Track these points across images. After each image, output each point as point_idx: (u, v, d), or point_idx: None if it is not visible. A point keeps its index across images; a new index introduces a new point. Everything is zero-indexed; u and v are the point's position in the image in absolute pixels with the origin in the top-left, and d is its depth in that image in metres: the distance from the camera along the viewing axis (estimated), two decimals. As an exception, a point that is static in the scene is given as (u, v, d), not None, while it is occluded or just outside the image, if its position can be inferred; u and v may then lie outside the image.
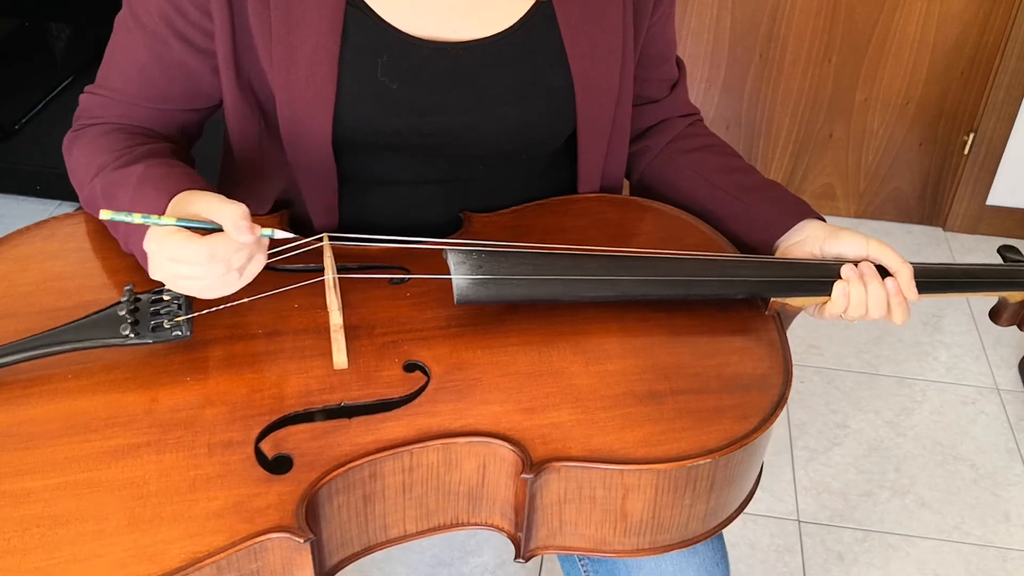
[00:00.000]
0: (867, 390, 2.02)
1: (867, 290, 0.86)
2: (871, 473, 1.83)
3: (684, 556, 0.91)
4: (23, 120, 2.41)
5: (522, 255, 0.84)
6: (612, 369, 0.81)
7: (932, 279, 0.91)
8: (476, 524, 0.80)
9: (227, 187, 1.00)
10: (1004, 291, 0.96)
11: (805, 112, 2.41)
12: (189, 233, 0.72)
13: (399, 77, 0.88)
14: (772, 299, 0.88)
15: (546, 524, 0.78)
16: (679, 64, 1.07)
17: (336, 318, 0.78)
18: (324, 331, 0.81)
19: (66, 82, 2.44)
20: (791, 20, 2.27)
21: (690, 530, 0.80)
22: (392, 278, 0.88)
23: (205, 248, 0.71)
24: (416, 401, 0.77)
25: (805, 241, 0.92)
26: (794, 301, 0.89)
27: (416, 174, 0.96)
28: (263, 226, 0.86)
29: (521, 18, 0.90)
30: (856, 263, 0.88)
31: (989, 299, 0.99)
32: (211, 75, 0.90)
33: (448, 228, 0.96)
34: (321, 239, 0.84)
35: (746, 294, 0.88)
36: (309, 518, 0.69)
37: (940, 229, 2.52)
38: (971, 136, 2.37)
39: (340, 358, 0.79)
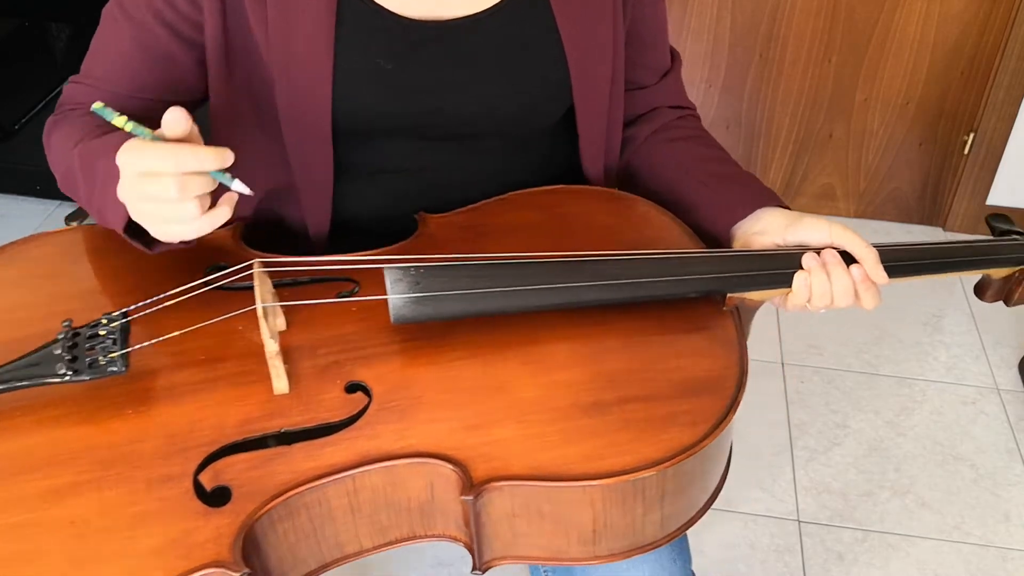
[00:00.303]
0: (867, 390, 2.02)
1: (830, 279, 0.84)
2: (871, 473, 1.83)
3: None
4: (23, 120, 2.41)
5: (462, 268, 0.81)
6: (559, 380, 0.79)
7: (902, 262, 0.88)
8: (433, 536, 0.79)
9: None
10: (986, 268, 0.93)
11: (805, 112, 2.41)
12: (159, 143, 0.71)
13: (393, 58, 0.88)
14: (729, 294, 0.85)
15: (499, 537, 0.77)
16: (673, 55, 1.06)
17: (272, 346, 0.76)
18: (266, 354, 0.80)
19: (66, 82, 2.45)
20: (791, 20, 2.27)
21: (648, 535, 0.79)
22: (332, 300, 0.86)
23: (171, 153, 0.69)
24: (357, 424, 0.76)
25: (766, 231, 0.89)
26: (754, 295, 0.86)
27: (413, 161, 0.95)
28: (216, 238, 0.84)
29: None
30: (820, 251, 0.85)
31: (979, 279, 0.97)
32: (196, 67, 0.90)
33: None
34: (251, 266, 0.82)
35: (701, 292, 0.85)
36: (248, 549, 0.68)
37: (940, 229, 2.52)
38: (971, 136, 2.37)
39: (280, 384, 0.78)
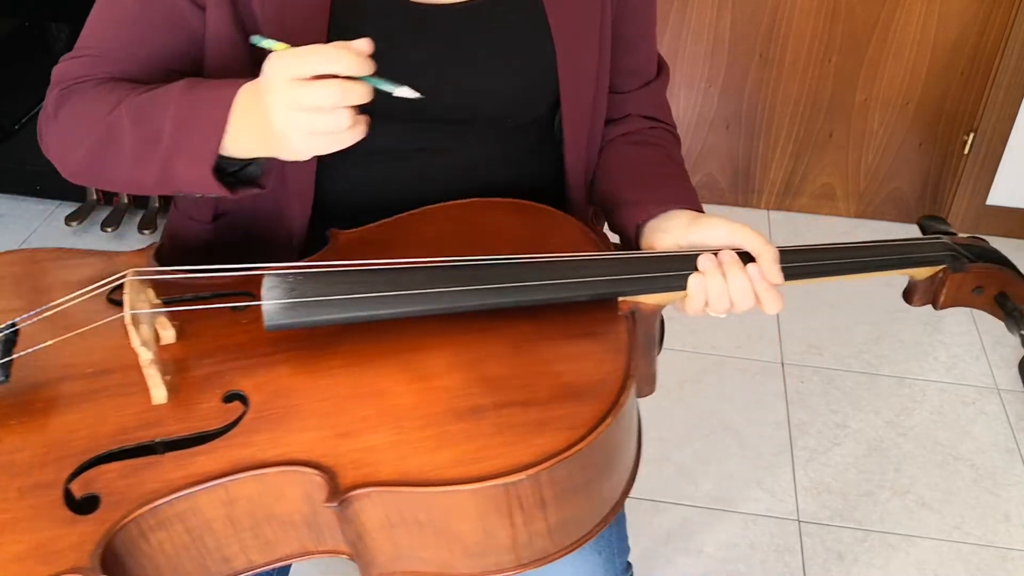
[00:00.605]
0: (867, 390, 2.02)
1: (727, 280, 0.80)
2: (871, 473, 1.83)
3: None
4: (23, 120, 2.41)
5: (341, 274, 0.81)
6: (437, 386, 0.77)
7: (809, 263, 0.85)
8: (325, 552, 0.77)
9: None
10: (904, 269, 0.89)
11: (805, 112, 2.41)
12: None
13: (387, 38, 0.88)
14: (621, 299, 0.83)
15: (382, 550, 0.76)
16: (661, 69, 1.05)
17: (145, 354, 0.76)
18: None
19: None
20: (791, 20, 2.27)
21: (537, 548, 0.77)
22: (204, 307, 0.86)
23: (338, 56, 0.70)
24: (231, 432, 0.75)
25: (669, 231, 0.86)
26: (648, 299, 0.83)
27: (401, 143, 0.95)
28: (129, 260, 0.85)
29: None
30: (719, 251, 0.82)
31: (906, 284, 0.93)
32: (202, 33, 0.88)
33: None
34: (125, 275, 0.82)
35: (591, 296, 0.82)
36: (112, 557, 0.69)
37: (940, 229, 2.52)
38: (971, 136, 2.37)
39: (158, 393, 0.78)
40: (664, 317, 1.23)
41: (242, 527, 0.75)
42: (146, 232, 2.24)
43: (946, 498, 1.78)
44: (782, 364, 2.07)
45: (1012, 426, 1.94)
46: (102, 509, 0.71)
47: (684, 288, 0.82)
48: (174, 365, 0.81)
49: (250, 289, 0.87)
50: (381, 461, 0.72)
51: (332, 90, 0.70)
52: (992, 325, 2.20)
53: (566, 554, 0.78)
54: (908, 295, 0.94)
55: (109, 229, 2.24)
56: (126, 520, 0.70)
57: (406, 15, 0.89)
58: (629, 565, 0.96)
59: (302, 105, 0.71)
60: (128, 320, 0.77)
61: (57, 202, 2.39)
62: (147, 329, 0.79)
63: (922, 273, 0.90)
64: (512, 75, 0.93)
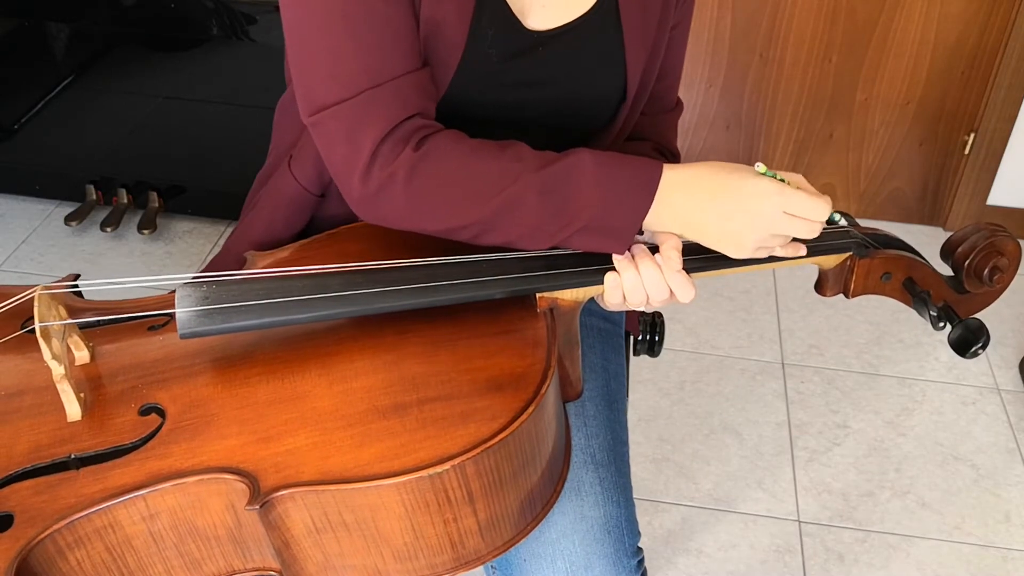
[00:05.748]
0: (867, 390, 2.02)
1: (639, 272, 0.82)
2: (871, 473, 1.83)
3: (574, 529, 0.90)
4: (23, 120, 2.41)
5: (255, 281, 0.81)
6: (356, 387, 0.78)
7: (709, 254, 0.85)
8: (253, 570, 0.77)
9: (285, 161, 1.02)
10: (811, 257, 0.90)
11: (805, 112, 2.41)
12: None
13: (508, 58, 0.90)
14: (539, 295, 0.84)
15: (311, 559, 0.75)
16: (677, 101, 1.09)
17: (57, 369, 0.76)
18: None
19: (66, 82, 2.44)
20: (791, 20, 2.27)
21: (470, 548, 0.76)
22: (116, 318, 0.85)
23: (824, 207, 0.81)
24: (148, 444, 0.75)
25: None
26: (565, 295, 0.84)
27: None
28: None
29: (590, 8, 0.93)
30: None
31: (817, 276, 0.95)
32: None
33: None
34: (34, 290, 0.82)
35: (505, 293, 0.83)
36: (25, 575, 0.68)
37: (941, 229, 2.53)
38: (971, 136, 2.37)
39: (72, 409, 0.77)
40: (664, 318, 1.23)
41: (165, 543, 0.74)
42: (145, 232, 2.24)
43: (946, 498, 1.78)
44: (782, 364, 2.07)
45: (1012, 426, 1.94)
46: (16, 527, 0.70)
47: (601, 283, 0.83)
48: (89, 383, 0.81)
49: (170, 311, 0.86)
50: (303, 462, 0.72)
51: (810, 228, 0.82)
52: (993, 325, 2.19)
53: (499, 554, 0.78)
54: (819, 285, 0.95)
55: (108, 229, 2.24)
56: (41, 536, 0.69)
57: (522, 39, 0.91)
58: (640, 550, 0.96)
59: (778, 233, 0.81)
60: (39, 333, 0.77)
61: (57, 202, 2.39)
62: (58, 344, 0.78)
63: (830, 261, 0.92)
64: (591, 88, 0.96)
